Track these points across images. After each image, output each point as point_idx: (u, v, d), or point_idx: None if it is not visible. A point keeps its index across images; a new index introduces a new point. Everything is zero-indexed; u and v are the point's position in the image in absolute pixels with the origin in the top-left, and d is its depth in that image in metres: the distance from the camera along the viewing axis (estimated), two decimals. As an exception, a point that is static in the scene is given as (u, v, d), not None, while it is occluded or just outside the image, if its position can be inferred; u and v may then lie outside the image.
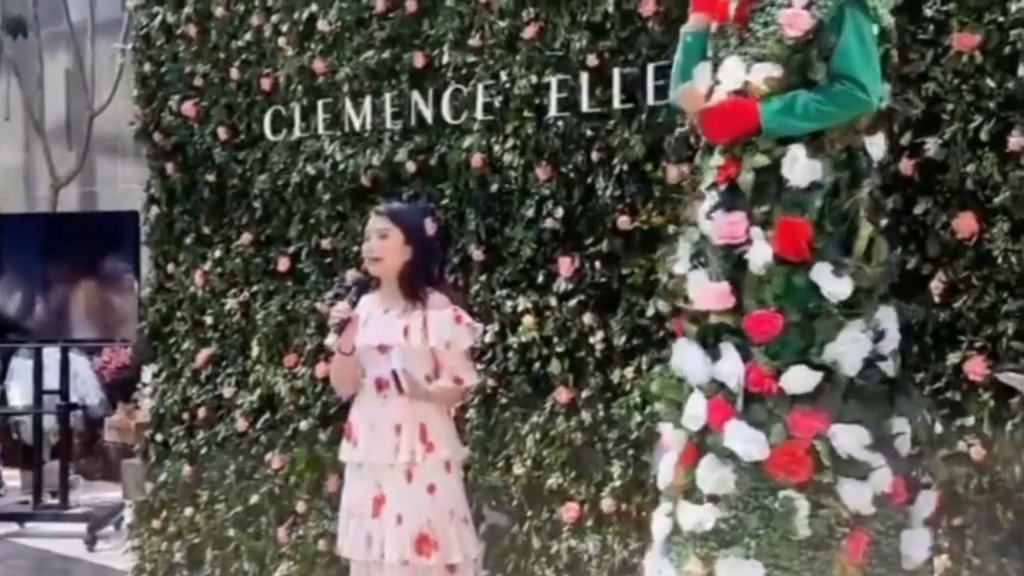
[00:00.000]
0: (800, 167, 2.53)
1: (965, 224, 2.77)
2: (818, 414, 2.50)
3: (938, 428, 2.75)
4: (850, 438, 2.51)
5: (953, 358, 2.78)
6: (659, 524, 2.70)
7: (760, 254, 2.53)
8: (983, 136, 2.76)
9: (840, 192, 2.58)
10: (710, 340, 2.62)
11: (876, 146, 2.65)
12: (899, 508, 2.59)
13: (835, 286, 2.52)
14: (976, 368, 2.73)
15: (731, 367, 2.57)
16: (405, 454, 3.12)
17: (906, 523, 2.60)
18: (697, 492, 2.60)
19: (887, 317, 2.61)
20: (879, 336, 2.57)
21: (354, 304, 3.12)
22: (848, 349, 2.52)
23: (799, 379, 2.51)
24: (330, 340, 3.10)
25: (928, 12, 2.84)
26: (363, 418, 3.20)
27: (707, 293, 2.60)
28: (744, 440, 2.53)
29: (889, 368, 2.60)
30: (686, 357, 2.66)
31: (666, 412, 2.74)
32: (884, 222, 2.66)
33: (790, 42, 2.55)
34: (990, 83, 2.75)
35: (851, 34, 2.54)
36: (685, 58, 2.76)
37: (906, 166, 2.85)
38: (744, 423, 2.54)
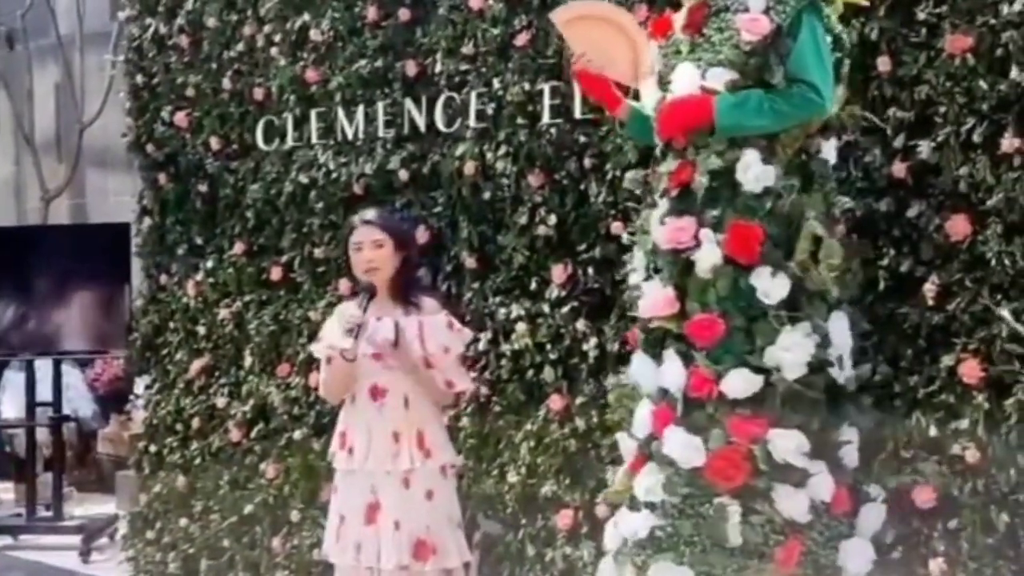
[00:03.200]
0: (754, 172, 2.54)
1: (958, 227, 2.77)
2: (758, 419, 2.49)
3: (932, 431, 2.75)
4: (787, 443, 2.48)
5: (947, 360, 2.78)
6: (609, 534, 2.70)
7: (708, 256, 2.53)
8: (976, 138, 2.77)
9: (785, 194, 2.57)
10: (656, 348, 2.63)
11: (829, 150, 2.66)
12: (840, 518, 2.56)
13: (770, 288, 2.50)
14: (970, 371, 2.74)
15: (673, 373, 2.57)
16: (405, 461, 3.12)
17: (848, 534, 2.56)
18: (635, 500, 2.60)
19: (838, 322, 2.58)
20: (825, 341, 2.54)
21: (364, 310, 3.12)
22: (789, 354, 2.49)
23: (740, 383, 2.50)
24: (347, 343, 3.05)
25: (920, 15, 2.85)
26: (357, 426, 3.20)
27: (651, 300, 2.60)
28: (682, 446, 2.52)
29: (838, 375, 2.58)
30: (637, 366, 2.67)
31: (623, 421, 2.74)
32: (840, 227, 2.65)
33: (747, 47, 2.56)
34: (983, 85, 2.77)
35: (807, 39, 2.56)
36: (642, 125, 2.79)
37: (899, 169, 2.86)
38: (682, 429, 2.53)
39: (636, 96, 2.89)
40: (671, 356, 2.57)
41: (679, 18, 2.71)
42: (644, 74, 2.80)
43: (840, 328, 2.58)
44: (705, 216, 2.54)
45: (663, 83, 2.68)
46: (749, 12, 2.56)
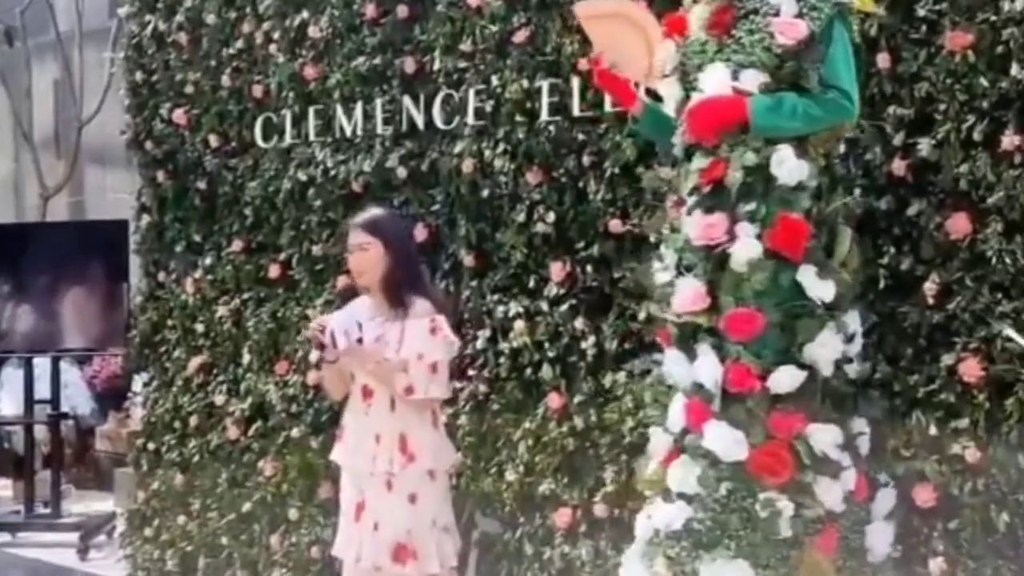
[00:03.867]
0: (788, 166, 2.56)
1: (959, 225, 2.76)
2: (798, 414, 2.54)
3: (932, 430, 2.75)
4: (825, 437, 2.56)
5: (947, 360, 2.77)
6: (640, 526, 2.72)
7: (746, 249, 2.54)
8: (976, 136, 2.76)
9: (822, 196, 2.61)
10: (689, 342, 2.64)
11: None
12: (862, 505, 2.65)
13: (820, 288, 2.55)
14: (970, 370, 2.73)
15: (708, 367, 2.59)
16: (383, 463, 3.13)
17: (867, 519, 2.66)
18: (668, 491, 2.62)
19: (853, 320, 2.65)
20: (849, 338, 2.61)
21: (339, 309, 3.13)
22: (825, 350, 2.56)
23: (785, 378, 2.54)
24: (313, 356, 3.11)
25: (920, 12, 2.84)
26: (351, 423, 3.23)
27: (686, 295, 2.62)
28: (724, 441, 2.55)
29: (852, 370, 2.65)
30: (672, 362, 2.68)
31: (655, 417, 2.76)
32: (853, 230, 2.69)
33: (779, 50, 2.58)
34: (983, 82, 2.75)
35: (839, 46, 2.60)
36: (657, 122, 2.80)
37: (899, 167, 2.85)
38: (724, 423, 2.55)
39: (656, 97, 2.87)
40: (705, 351, 2.59)
41: (696, 17, 2.70)
42: (660, 72, 2.79)
43: (856, 325, 2.66)
44: (739, 211, 2.56)
45: (686, 81, 2.68)
46: (780, 16, 2.57)
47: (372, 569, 3.10)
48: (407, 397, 3.15)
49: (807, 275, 2.55)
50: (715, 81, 2.62)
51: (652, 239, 2.96)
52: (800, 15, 2.57)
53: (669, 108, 2.76)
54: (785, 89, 2.58)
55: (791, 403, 2.53)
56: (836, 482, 2.56)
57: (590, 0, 2.90)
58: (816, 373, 2.56)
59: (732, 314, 2.55)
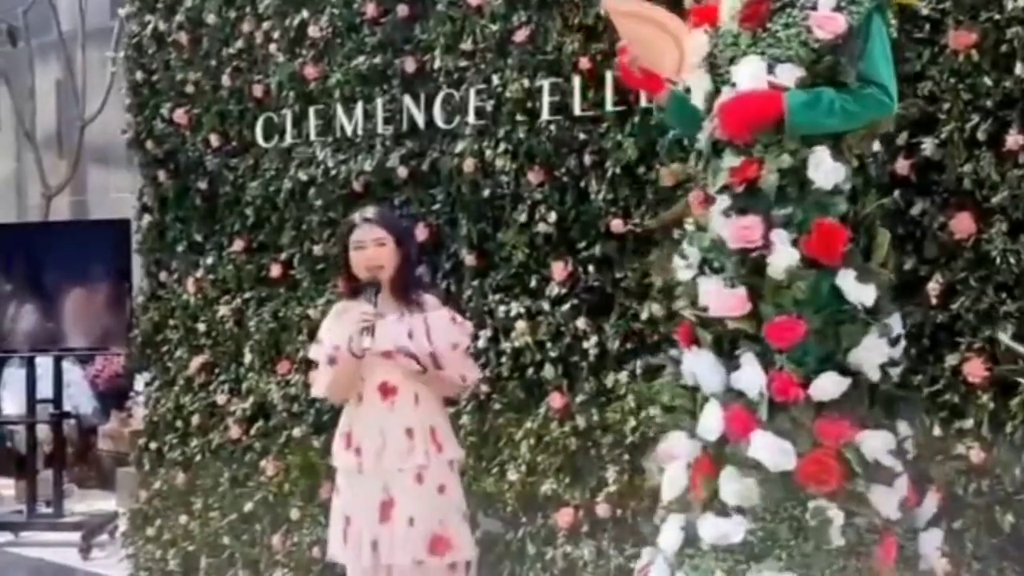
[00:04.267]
0: (825, 169, 2.49)
1: (963, 224, 2.74)
2: (844, 420, 2.47)
3: (936, 431, 2.73)
4: (877, 443, 2.48)
5: (951, 360, 2.75)
6: (669, 535, 2.62)
7: (784, 257, 2.48)
8: (980, 135, 2.74)
9: (858, 198, 2.55)
10: (725, 347, 2.57)
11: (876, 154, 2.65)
12: (911, 510, 2.58)
13: (861, 292, 2.49)
14: (975, 370, 2.71)
15: (751, 375, 2.51)
16: (420, 456, 3.12)
17: (917, 525, 2.60)
18: (718, 504, 2.53)
19: (895, 322, 2.58)
20: (894, 341, 2.55)
21: (374, 304, 3.10)
22: (870, 354, 2.50)
23: (828, 385, 2.47)
24: (367, 342, 3.04)
25: (924, 11, 2.82)
26: (366, 425, 3.17)
27: (723, 300, 2.54)
28: (771, 450, 2.47)
29: (895, 373, 2.59)
30: (699, 365, 2.60)
31: (675, 421, 2.67)
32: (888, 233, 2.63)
33: (816, 44, 2.51)
34: (987, 82, 2.74)
35: (877, 40, 2.53)
36: (681, 111, 2.74)
37: (903, 166, 2.83)
38: (770, 433, 2.48)
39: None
40: (749, 359, 2.51)
41: (728, 8, 2.64)
42: (689, 67, 2.73)
43: (898, 327, 2.59)
44: (774, 214, 2.50)
45: (717, 74, 2.62)
46: (818, 9, 2.51)
47: (413, 564, 3.09)
48: (464, 384, 3.24)
49: (847, 280, 2.48)
50: (750, 74, 2.54)
51: (675, 234, 2.87)
52: (838, 8, 2.51)
53: (697, 100, 2.68)
54: (821, 84, 2.51)
55: (838, 410, 2.46)
56: (892, 489, 2.49)
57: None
58: (861, 378, 2.49)
59: (774, 323, 2.48)
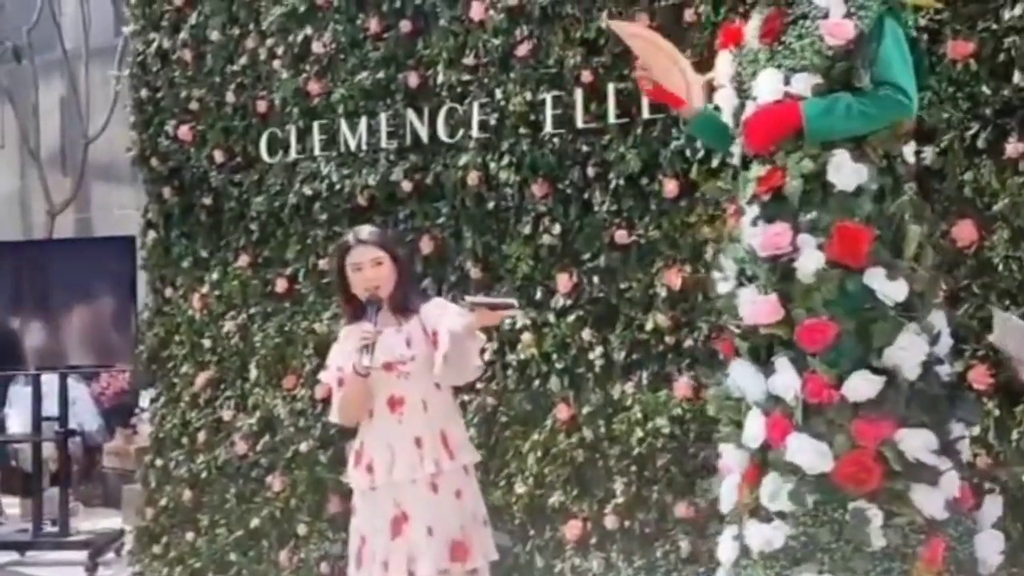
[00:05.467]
0: (846, 170, 2.52)
1: (964, 232, 2.76)
2: (882, 420, 2.46)
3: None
4: (917, 442, 2.47)
5: (956, 367, 2.76)
6: (726, 548, 2.64)
7: (811, 261, 2.50)
8: (980, 143, 2.76)
9: (885, 197, 2.55)
10: (762, 355, 2.59)
11: (909, 153, 2.63)
12: (967, 513, 2.56)
13: (890, 289, 2.49)
14: (979, 377, 2.72)
15: (786, 380, 2.53)
16: (430, 465, 3.09)
17: (975, 528, 2.57)
18: (762, 510, 2.54)
19: (939, 320, 2.58)
20: (935, 339, 2.54)
21: (375, 324, 3.10)
22: (907, 353, 2.49)
23: (861, 385, 2.47)
24: (365, 361, 3.03)
25: (922, 21, 2.84)
26: (376, 441, 3.15)
27: (756, 308, 2.57)
28: (808, 453, 2.48)
29: (944, 371, 2.57)
30: (741, 375, 2.62)
31: (726, 432, 2.68)
32: (926, 227, 2.62)
33: (829, 52, 2.54)
34: (985, 90, 2.76)
35: (890, 42, 2.55)
36: (709, 126, 2.79)
37: (904, 175, 2.84)
38: (806, 435, 2.49)
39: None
40: (783, 364, 2.53)
41: (751, 28, 2.70)
42: (714, 83, 2.79)
43: (943, 325, 2.59)
44: (800, 220, 2.53)
45: (742, 90, 2.67)
46: (829, 18, 2.55)
47: (437, 574, 3.08)
48: (477, 363, 3.13)
49: (876, 278, 2.49)
50: (768, 86, 2.59)
51: (712, 247, 2.89)
52: (849, 15, 2.54)
53: (726, 117, 2.73)
54: (838, 90, 2.54)
55: (875, 410, 2.46)
56: (935, 489, 2.47)
57: (623, 23, 2.92)
58: (898, 377, 2.48)
59: (805, 326, 2.49)
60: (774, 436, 2.53)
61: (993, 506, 2.62)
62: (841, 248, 2.49)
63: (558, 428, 3.54)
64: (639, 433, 3.34)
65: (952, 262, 2.79)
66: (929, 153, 2.82)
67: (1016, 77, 2.72)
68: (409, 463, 3.10)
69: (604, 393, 3.45)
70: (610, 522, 3.40)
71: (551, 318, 3.57)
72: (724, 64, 2.73)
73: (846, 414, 2.48)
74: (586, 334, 3.49)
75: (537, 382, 3.60)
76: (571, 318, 3.52)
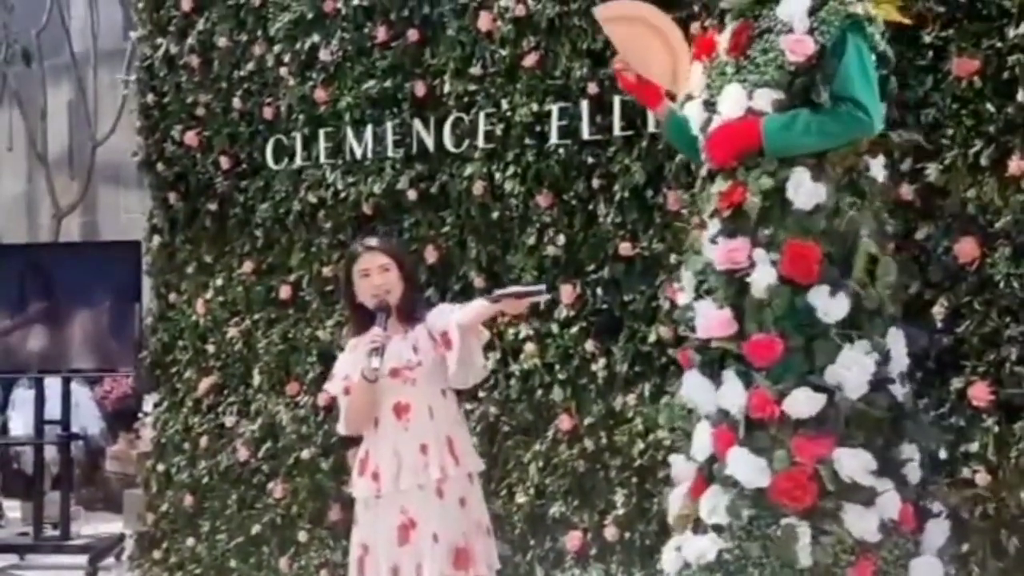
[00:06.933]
0: (805, 190, 2.54)
1: (967, 249, 2.77)
2: (821, 438, 2.48)
3: (943, 454, 2.73)
4: (854, 462, 2.48)
5: (957, 383, 2.77)
6: (669, 559, 2.67)
7: (763, 277, 2.53)
8: (983, 161, 2.77)
9: (840, 213, 2.57)
10: (715, 368, 2.61)
11: (877, 168, 2.65)
12: (908, 536, 2.55)
13: (831, 306, 2.51)
14: (980, 393, 2.72)
15: (733, 394, 2.56)
16: (435, 471, 3.09)
17: (915, 552, 2.56)
18: (701, 523, 2.58)
19: (895, 339, 2.58)
20: (885, 358, 2.54)
21: (385, 329, 3.11)
22: (849, 372, 2.49)
23: (802, 402, 2.49)
24: (375, 363, 3.03)
25: (927, 38, 2.86)
26: (382, 449, 3.14)
27: (709, 321, 2.60)
28: (746, 467, 2.51)
29: (898, 392, 2.57)
30: (693, 387, 2.65)
31: (677, 443, 2.73)
32: (891, 245, 2.64)
33: (791, 67, 2.57)
34: (989, 108, 2.77)
35: (852, 58, 2.56)
36: (679, 134, 2.82)
37: (907, 191, 2.86)
38: (746, 450, 2.52)
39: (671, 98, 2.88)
40: (731, 377, 2.56)
41: (723, 39, 2.72)
42: (684, 86, 2.81)
43: (898, 345, 2.59)
44: (758, 236, 2.55)
45: (710, 103, 2.69)
46: (793, 33, 2.57)
47: None
48: (482, 361, 3.14)
49: (819, 296, 2.52)
50: (731, 101, 2.62)
51: (672, 259, 2.94)
52: (811, 30, 2.56)
53: (695, 130, 2.75)
54: (799, 106, 2.56)
55: (814, 427, 2.48)
56: (870, 510, 2.48)
57: (610, 3, 2.90)
58: (840, 397, 2.49)
59: (753, 340, 2.53)
60: (720, 449, 2.56)
61: (937, 531, 2.60)
62: (792, 265, 2.52)
63: (560, 438, 3.54)
64: (640, 445, 3.34)
65: (954, 278, 2.80)
66: (933, 170, 2.83)
67: (1020, 95, 2.73)
68: (414, 469, 3.10)
69: (606, 404, 3.45)
70: (610, 533, 3.40)
71: (554, 329, 3.57)
72: (697, 75, 2.75)
73: (787, 430, 2.49)
74: (589, 345, 3.50)
75: (539, 392, 3.60)
76: (574, 329, 3.53)
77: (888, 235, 2.64)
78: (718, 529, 2.54)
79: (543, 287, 3.10)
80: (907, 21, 2.74)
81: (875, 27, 2.61)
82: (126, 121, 6.80)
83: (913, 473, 2.58)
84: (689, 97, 2.79)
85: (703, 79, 2.73)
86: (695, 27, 3.31)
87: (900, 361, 2.59)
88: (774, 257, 2.53)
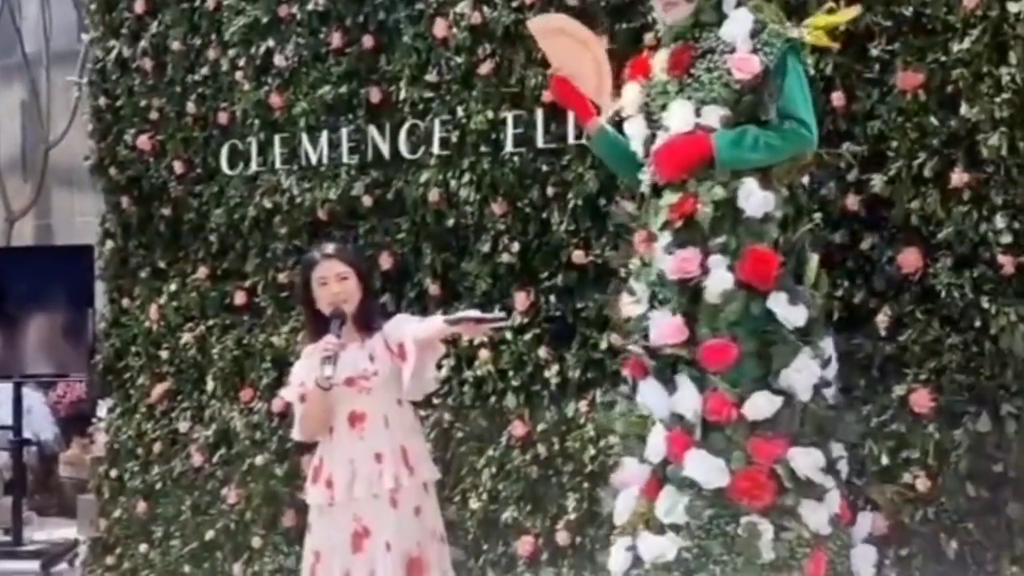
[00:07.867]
0: (755, 199, 2.64)
1: (910, 259, 2.83)
2: (777, 439, 2.59)
3: (884, 460, 2.80)
4: (807, 460, 2.60)
5: (899, 390, 2.83)
6: (618, 559, 2.72)
7: (719, 282, 2.61)
8: (927, 173, 2.83)
9: (788, 225, 2.68)
10: (667, 374, 2.68)
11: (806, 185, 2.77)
12: (845, 528, 2.68)
13: (791, 313, 2.61)
14: (921, 400, 2.79)
15: (687, 398, 2.63)
16: (389, 480, 3.10)
17: (851, 542, 2.69)
18: (656, 522, 2.64)
19: (829, 345, 2.70)
20: (826, 363, 2.67)
21: (338, 338, 3.11)
22: (801, 375, 2.61)
23: (761, 405, 2.59)
24: (328, 371, 3.04)
25: (873, 52, 2.91)
26: (336, 457, 3.15)
27: (661, 328, 2.67)
28: (705, 468, 2.59)
29: (830, 393, 2.69)
30: (649, 394, 2.72)
31: (629, 447, 2.78)
32: (816, 257, 2.74)
33: (737, 85, 2.66)
34: (933, 121, 2.82)
35: (794, 78, 2.68)
36: (612, 149, 2.90)
37: (852, 202, 2.92)
38: (704, 451, 2.59)
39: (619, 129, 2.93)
40: (685, 382, 2.64)
41: (659, 60, 2.81)
42: (606, 101, 2.88)
43: (831, 350, 2.71)
44: (710, 244, 2.63)
45: (652, 120, 2.77)
46: (736, 53, 2.67)
47: None
48: (443, 334, 3.15)
49: (778, 302, 2.61)
50: (679, 118, 2.70)
51: (621, 272, 2.99)
52: (754, 51, 2.67)
53: (636, 146, 2.82)
54: (745, 122, 2.66)
55: (770, 428, 2.58)
56: (821, 505, 2.61)
57: (542, 16, 3.00)
58: (793, 398, 2.61)
59: (708, 345, 2.61)
60: (673, 452, 2.64)
61: (866, 521, 2.75)
62: (752, 270, 2.61)
63: (513, 444, 3.56)
64: (592, 451, 3.38)
65: (898, 288, 2.85)
66: (878, 181, 2.88)
67: (963, 109, 2.79)
68: (368, 478, 3.11)
69: (559, 411, 3.48)
70: (562, 538, 3.43)
71: (508, 336, 3.60)
72: (632, 94, 2.83)
73: (743, 432, 2.59)
74: (542, 352, 3.52)
75: (493, 399, 3.62)
76: (528, 336, 3.55)
77: (819, 248, 2.75)
78: (676, 528, 2.61)
79: (504, 315, 3.15)
80: (835, 45, 2.82)
81: (806, 51, 2.73)
82: (80, 123, 6.73)
83: (843, 470, 2.70)
84: (618, 115, 2.86)
85: (640, 98, 2.80)
86: (649, 37, 3.36)
87: (833, 365, 2.71)
88: (730, 262, 2.61)
